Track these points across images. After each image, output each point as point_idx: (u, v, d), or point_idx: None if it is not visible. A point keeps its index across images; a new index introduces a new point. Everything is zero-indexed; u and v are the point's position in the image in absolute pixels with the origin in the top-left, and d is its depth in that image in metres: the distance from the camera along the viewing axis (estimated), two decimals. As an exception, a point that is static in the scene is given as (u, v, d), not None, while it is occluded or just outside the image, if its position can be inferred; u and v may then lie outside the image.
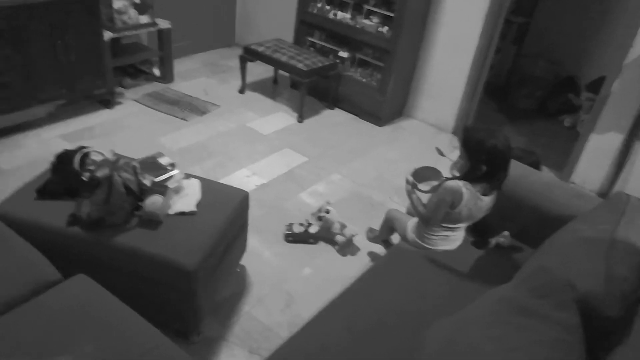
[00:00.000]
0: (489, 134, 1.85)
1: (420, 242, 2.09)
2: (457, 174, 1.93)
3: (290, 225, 2.72)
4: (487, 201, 1.94)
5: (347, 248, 2.67)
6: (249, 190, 2.30)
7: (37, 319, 1.47)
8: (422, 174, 2.05)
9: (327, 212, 2.73)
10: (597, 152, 3.54)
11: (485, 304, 1.31)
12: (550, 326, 1.15)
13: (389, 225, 2.37)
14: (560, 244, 1.51)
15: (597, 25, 4.80)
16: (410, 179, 2.04)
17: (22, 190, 1.98)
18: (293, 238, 2.70)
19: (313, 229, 2.70)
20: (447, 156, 2.20)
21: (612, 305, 1.21)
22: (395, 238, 2.52)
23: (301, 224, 2.73)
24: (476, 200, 1.89)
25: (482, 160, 1.82)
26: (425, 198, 2.05)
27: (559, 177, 3.70)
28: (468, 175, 1.89)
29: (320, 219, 2.72)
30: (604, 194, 3.49)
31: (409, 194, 2.04)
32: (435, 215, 1.94)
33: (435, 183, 1.99)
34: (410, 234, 2.15)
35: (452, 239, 2.07)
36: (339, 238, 2.66)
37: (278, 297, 2.34)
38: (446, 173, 2.03)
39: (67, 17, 3.20)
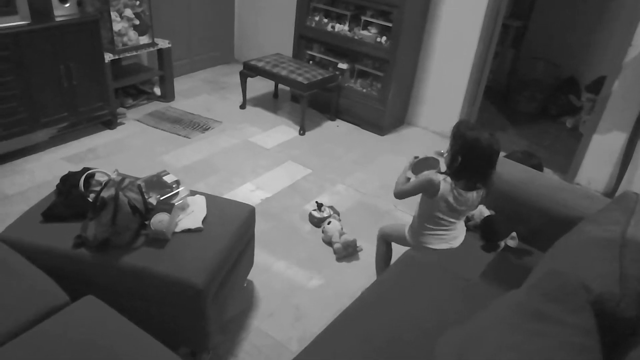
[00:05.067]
0: (475, 128, 1.89)
1: (417, 241, 2.11)
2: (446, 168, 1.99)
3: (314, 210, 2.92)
4: (469, 197, 1.94)
5: (343, 254, 2.69)
6: (254, 205, 2.30)
7: (46, 342, 1.46)
8: (424, 163, 2.09)
9: (329, 222, 2.77)
10: (600, 153, 3.53)
11: (499, 310, 1.29)
12: (567, 330, 1.13)
13: (384, 241, 2.35)
14: (571, 245, 1.50)
15: (595, 26, 4.82)
16: (410, 161, 2.12)
17: (28, 214, 1.98)
18: (316, 220, 2.89)
19: (320, 214, 2.89)
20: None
21: (628, 307, 1.19)
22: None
23: (317, 209, 2.91)
24: (456, 195, 1.92)
25: (461, 152, 1.86)
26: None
27: (563, 179, 3.68)
28: (449, 167, 1.93)
29: (323, 231, 2.80)
30: (609, 194, 3.47)
31: (404, 169, 2.11)
32: (405, 194, 2.04)
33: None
34: (409, 237, 2.18)
35: (448, 238, 2.07)
36: (337, 246, 2.68)
37: (287, 311, 2.32)
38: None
39: (69, 42, 3.23)
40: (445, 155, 2.00)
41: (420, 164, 2.09)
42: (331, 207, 2.97)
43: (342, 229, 2.77)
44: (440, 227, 2.04)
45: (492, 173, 1.92)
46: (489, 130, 1.92)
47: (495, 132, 1.91)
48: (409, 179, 2.07)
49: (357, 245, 2.72)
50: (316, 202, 2.96)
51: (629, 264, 1.29)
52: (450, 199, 1.93)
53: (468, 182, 1.92)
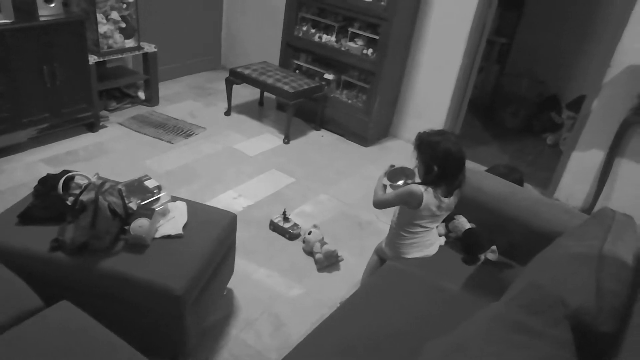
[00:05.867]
0: (441, 138, 1.94)
1: (395, 252, 2.13)
2: (418, 180, 2.02)
3: (278, 216, 2.93)
4: (448, 202, 2.00)
5: (325, 264, 2.68)
6: (236, 212, 2.28)
7: (18, 348, 1.42)
8: (400, 172, 2.11)
9: (310, 233, 2.76)
10: (579, 170, 3.59)
11: (479, 322, 1.30)
12: (544, 342, 1.14)
13: (377, 254, 2.36)
14: (550, 260, 1.52)
15: (577, 46, 4.94)
16: (386, 170, 2.13)
17: (4, 216, 1.94)
18: (274, 228, 2.91)
19: (286, 224, 2.88)
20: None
21: (604, 321, 1.21)
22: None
23: (283, 217, 2.92)
24: (439, 203, 1.97)
25: (435, 162, 1.91)
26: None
27: (543, 194, 3.74)
28: (426, 178, 1.97)
29: (304, 241, 2.79)
30: (587, 210, 3.53)
31: (379, 178, 2.12)
32: (386, 203, 2.07)
33: (408, 181, 2.06)
34: (385, 248, 2.21)
35: (423, 245, 2.10)
36: (318, 256, 2.67)
37: (267, 320, 2.30)
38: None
39: (54, 42, 3.19)
40: (415, 167, 2.02)
41: (395, 173, 2.10)
42: (296, 224, 2.91)
43: (323, 239, 2.77)
44: (417, 235, 2.07)
45: (464, 177, 2.00)
46: (448, 133, 2.00)
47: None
48: (385, 186, 2.09)
49: (338, 255, 2.72)
50: (284, 210, 2.94)
51: (606, 279, 1.31)
52: (434, 208, 1.97)
53: (448, 188, 1.96)
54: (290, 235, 2.85)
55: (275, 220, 2.90)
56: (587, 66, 4.72)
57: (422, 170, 1.97)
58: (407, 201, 1.99)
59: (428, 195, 1.94)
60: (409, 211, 2.02)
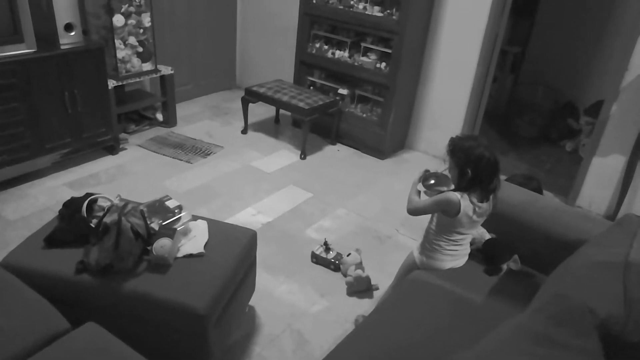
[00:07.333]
0: (474, 142, 1.95)
1: (429, 261, 2.10)
2: (453, 186, 2.01)
3: (319, 247, 2.83)
4: (484, 207, 1.99)
5: (353, 288, 2.60)
6: (256, 229, 2.30)
7: (47, 370, 1.45)
8: (431, 177, 2.09)
9: (349, 255, 2.73)
10: (600, 175, 3.54)
11: (503, 335, 1.28)
12: (572, 354, 1.12)
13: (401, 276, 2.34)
14: (575, 269, 1.49)
15: (592, 51, 4.89)
16: (421, 173, 2.12)
17: (30, 240, 1.98)
18: (316, 260, 2.81)
19: (329, 255, 2.78)
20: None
21: (634, 330, 1.18)
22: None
23: (325, 247, 2.82)
24: (475, 208, 1.95)
25: (468, 166, 1.91)
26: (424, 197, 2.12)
27: (564, 202, 3.69)
28: (460, 183, 1.96)
29: (341, 262, 2.75)
30: (610, 216, 3.47)
31: (413, 183, 2.11)
32: (421, 210, 2.05)
33: (443, 188, 2.04)
34: (418, 257, 2.16)
35: (458, 255, 2.08)
36: (348, 279, 2.62)
37: (289, 337, 2.30)
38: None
39: (74, 69, 3.28)
40: (444, 170, 2.02)
41: (428, 178, 2.09)
42: (339, 254, 2.80)
43: (360, 263, 2.71)
44: (456, 242, 2.05)
45: (499, 181, 1.98)
46: (480, 138, 2.00)
47: (482, 136, 1.94)
48: (419, 192, 2.07)
49: (372, 283, 2.61)
50: (325, 240, 2.83)
51: (633, 287, 1.28)
52: (471, 213, 1.95)
53: (482, 192, 1.95)
54: (335, 266, 2.75)
55: (317, 252, 2.80)
56: (603, 71, 4.67)
57: (456, 174, 1.97)
58: (444, 209, 1.97)
59: (465, 202, 1.93)
60: (447, 218, 2.01)
